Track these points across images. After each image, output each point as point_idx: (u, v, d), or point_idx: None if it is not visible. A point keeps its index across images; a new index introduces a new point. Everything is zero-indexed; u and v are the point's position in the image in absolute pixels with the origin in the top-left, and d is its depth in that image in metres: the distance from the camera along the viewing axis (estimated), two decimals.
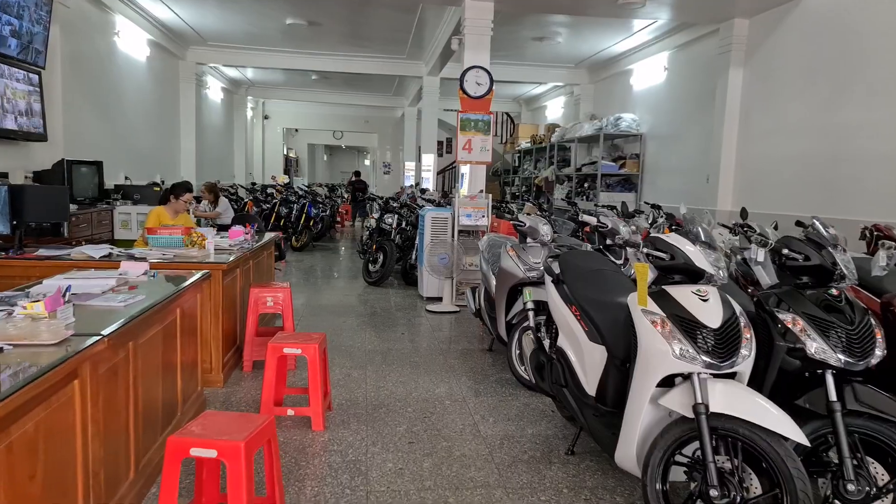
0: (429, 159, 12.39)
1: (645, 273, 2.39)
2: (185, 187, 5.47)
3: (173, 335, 3.17)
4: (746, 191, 7.60)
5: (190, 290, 3.39)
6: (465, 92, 7.17)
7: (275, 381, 3.51)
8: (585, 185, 11.27)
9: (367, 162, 35.64)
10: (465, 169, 7.39)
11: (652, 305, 2.46)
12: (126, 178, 8.73)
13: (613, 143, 11.06)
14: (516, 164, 15.83)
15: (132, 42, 9.09)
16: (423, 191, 10.64)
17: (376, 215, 8.76)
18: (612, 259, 4.38)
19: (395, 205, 9.87)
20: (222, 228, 8.88)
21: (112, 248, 4.17)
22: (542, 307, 4.37)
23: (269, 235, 6.04)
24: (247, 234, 5.26)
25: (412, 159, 17.67)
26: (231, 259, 4.26)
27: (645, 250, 2.49)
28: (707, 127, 8.25)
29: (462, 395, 4.20)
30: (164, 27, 9.89)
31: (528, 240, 4.60)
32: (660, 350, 2.43)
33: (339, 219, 17.52)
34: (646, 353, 2.49)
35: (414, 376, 4.57)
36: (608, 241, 4.57)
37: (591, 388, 3.08)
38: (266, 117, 19.55)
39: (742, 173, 7.66)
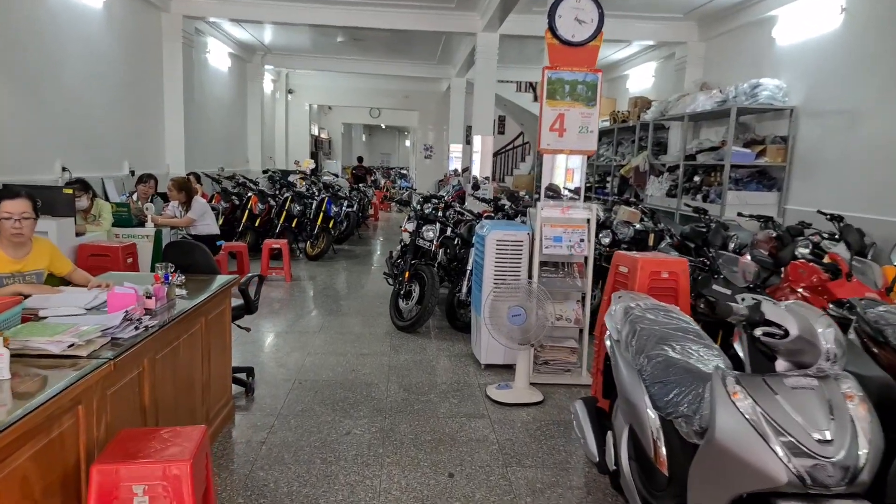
0: (482, 143, 9.59)
1: None
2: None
3: None
4: None
5: None
6: (556, 35, 4.36)
7: None
8: (695, 178, 8.32)
9: (407, 143, 33.08)
10: (558, 160, 4.62)
11: None
12: (64, 168, 6.25)
13: (739, 121, 8.05)
14: None
15: None
16: (476, 186, 7.86)
17: (410, 226, 6.04)
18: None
19: (435, 202, 7.18)
20: (202, 241, 6.36)
21: None
22: None
23: (219, 280, 3.41)
24: (148, 296, 2.66)
25: (459, 140, 14.92)
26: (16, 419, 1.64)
27: None
28: None
29: None
30: None
31: (781, 361, 1.83)
32: None
33: (371, 211, 14.98)
34: None
35: None
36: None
37: None
38: (290, 92, 17.01)
39: None
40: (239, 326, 3.99)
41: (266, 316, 5.96)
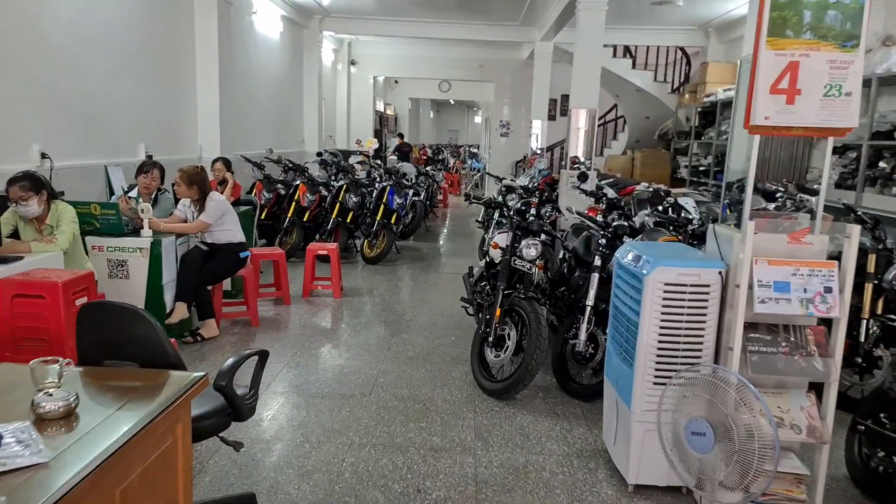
0: (582, 117, 7.57)
1: None
2: None
3: None
4: None
5: None
6: None
7: None
8: (881, 164, 6.08)
9: (476, 119, 31.12)
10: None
11: None
12: (44, 155, 4.76)
13: None
14: (696, 124, 10.71)
15: None
16: (584, 176, 5.91)
17: (502, 241, 4.16)
18: None
19: (522, 193, 5.33)
20: (220, 251, 4.78)
21: None
22: None
23: (170, 386, 1.72)
24: None
25: (542, 116, 12.93)
26: None
27: None
28: None
29: None
30: None
31: None
32: None
33: (440, 196, 13.27)
34: None
35: None
36: None
37: None
38: (353, 63, 15.35)
39: None
40: (224, 442, 2.30)
41: (297, 359, 4.31)
